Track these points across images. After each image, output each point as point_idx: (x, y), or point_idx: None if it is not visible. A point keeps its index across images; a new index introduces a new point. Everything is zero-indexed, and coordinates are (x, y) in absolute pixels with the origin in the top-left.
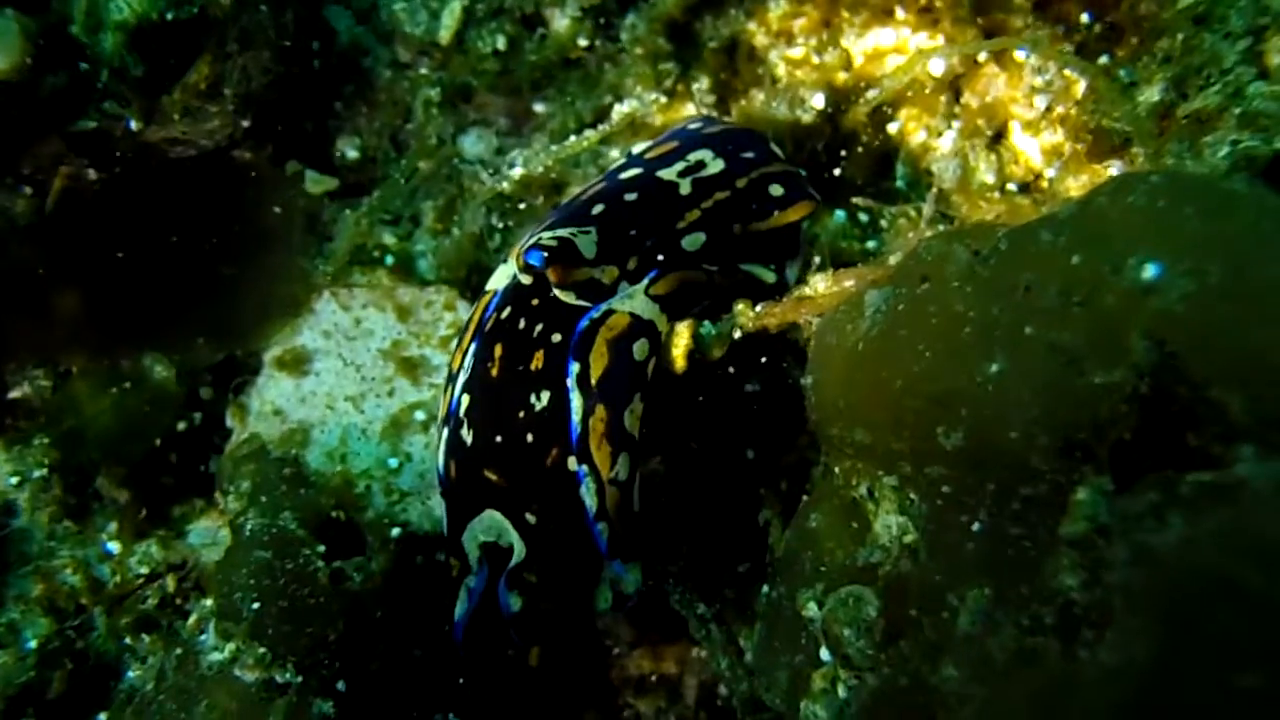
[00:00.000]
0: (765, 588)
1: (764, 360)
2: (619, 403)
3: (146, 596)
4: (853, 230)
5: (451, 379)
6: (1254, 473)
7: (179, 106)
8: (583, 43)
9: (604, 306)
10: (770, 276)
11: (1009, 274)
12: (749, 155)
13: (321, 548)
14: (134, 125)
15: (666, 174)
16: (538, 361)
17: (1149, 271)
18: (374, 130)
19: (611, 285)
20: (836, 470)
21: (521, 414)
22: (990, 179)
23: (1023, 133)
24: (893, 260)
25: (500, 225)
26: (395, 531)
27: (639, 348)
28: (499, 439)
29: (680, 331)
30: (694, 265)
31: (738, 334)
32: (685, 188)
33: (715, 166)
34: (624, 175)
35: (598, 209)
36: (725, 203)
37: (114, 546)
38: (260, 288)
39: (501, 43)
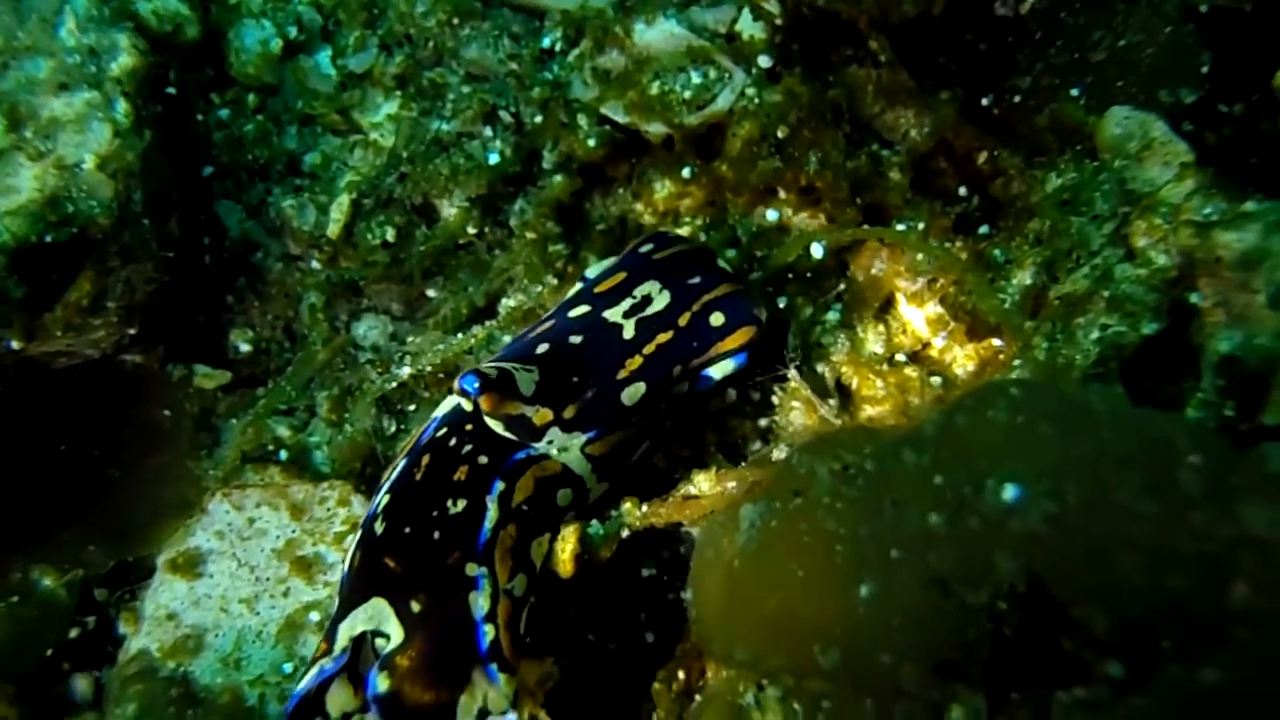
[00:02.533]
0: None
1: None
2: (530, 530)
3: None
4: (745, 408)
5: (377, 489)
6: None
7: (61, 323)
8: (472, 230)
9: (541, 449)
10: (683, 387)
11: (875, 494)
12: (694, 281)
13: None
14: (15, 345)
15: (612, 315)
16: (461, 474)
17: (1009, 493)
18: (266, 322)
19: (542, 428)
20: (724, 674)
21: (435, 513)
22: (879, 349)
23: (908, 304)
24: (776, 455)
25: (392, 423)
26: None
27: (562, 495)
28: (407, 530)
29: (567, 536)
30: (630, 420)
31: (625, 533)
32: (629, 330)
33: (660, 301)
34: (573, 313)
35: (542, 348)
36: (667, 345)
37: None
38: (151, 490)
39: (390, 234)
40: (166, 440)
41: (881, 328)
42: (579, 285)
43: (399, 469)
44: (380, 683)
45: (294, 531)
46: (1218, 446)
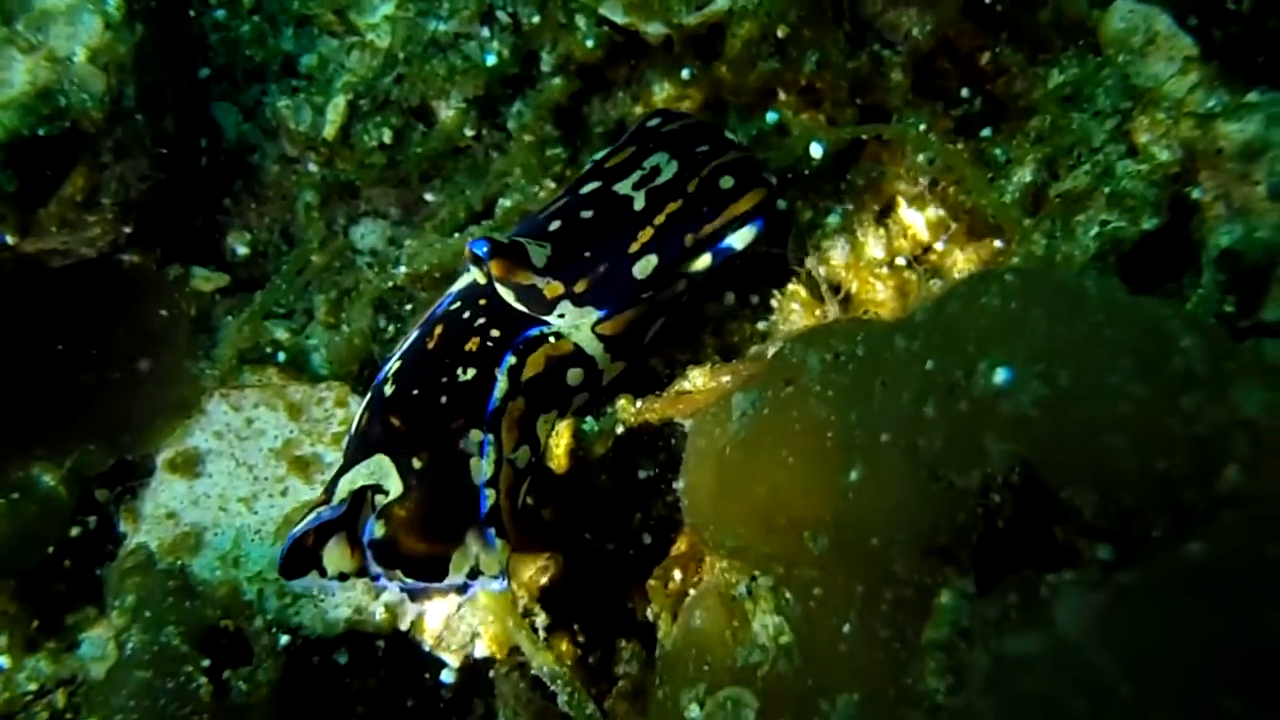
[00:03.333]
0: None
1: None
2: (537, 406)
3: (36, 713)
4: (742, 311)
5: (386, 357)
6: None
7: (56, 219)
8: (469, 133)
9: (553, 327)
10: (705, 260)
11: (866, 380)
12: (703, 149)
13: (206, 662)
14: (9, 240)
15: (622, 188)
16: (472, 345)
17: (1000, 376)
18: (264, 225)
19: (553, 300)
20: (717, 567)
21: (444, 379)
22: (879, 254)
23: (909, 207)
24: (771, 351)
25: (389, 323)
26: (284, 639)
27: (573, 374)
28: (415, 392)
29: (561, 431)
30: (642, 295)
31: (620, 429)
32: (639, 202)
33: (669, 170)
34: (584, 190)
35: (554, 225)
36: (677, 214)
37: (3, 661)
38: (149, 391)
39: (387, 136)
40: (165, 340)
41: (882, 231)
42: (589, 165)
43: (411, 338)
44: (376, 529)
45: (292, 431)
46: (1213, 332)
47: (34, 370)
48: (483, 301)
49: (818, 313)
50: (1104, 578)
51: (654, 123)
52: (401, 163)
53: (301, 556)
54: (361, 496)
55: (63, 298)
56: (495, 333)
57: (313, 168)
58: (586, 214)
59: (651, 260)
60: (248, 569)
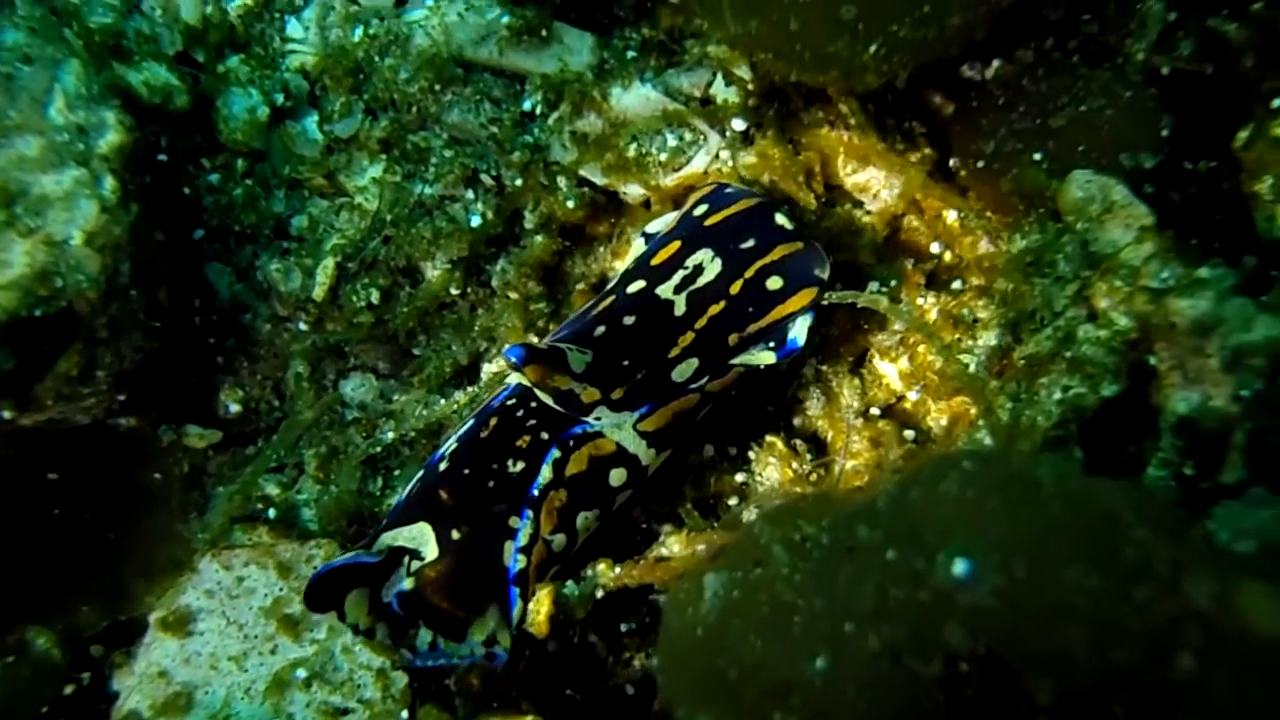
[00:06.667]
0: None
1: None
2: (579, 501)
3: None
4: (721, 464)
5: (442, 439)
6: None
7: (52, 393)
8: (454, 291)
9: (596, 426)
10: (769, 357)
11: (830, 568)
12: (748, 245)
13: None
14: (7, 415)
15: (664, 291)
16: (523, 442)
17: (959, 567)
18: (256, 382)
19: (590, 405)
20: None
21: (495, 467)
22: (855, 404)
23: (881, 359)
24: (746, 516)
25: (379, 481)
26: None
27: (616, 475)
28: (466, 472)
29: (542, 598)
30: (683, 393)
31: (599, 594)
32: (680, 306)
33: (713, 270)
34: (630, 289)
35: (599, 331)
36: (719, 317)
37: None
38: (143, 551)
39: (375, 296)
40: (158, 503)
41: (857, 382)
42: (639, 243)
43: (467, 425)
44: (406, 583)
45: (281, 590)
46: (1163, 518)
47: (30, 534)
48: (535, 404)
49: (794, 465)
50: None
51: (701, 210)
52: (389, 320)
53: (328, 592)
54: (397, 558)
55: (59, 462)
56: (545, 435)
57: (303, 327)
58: (629, 319)
59: (692, 363)
60: None
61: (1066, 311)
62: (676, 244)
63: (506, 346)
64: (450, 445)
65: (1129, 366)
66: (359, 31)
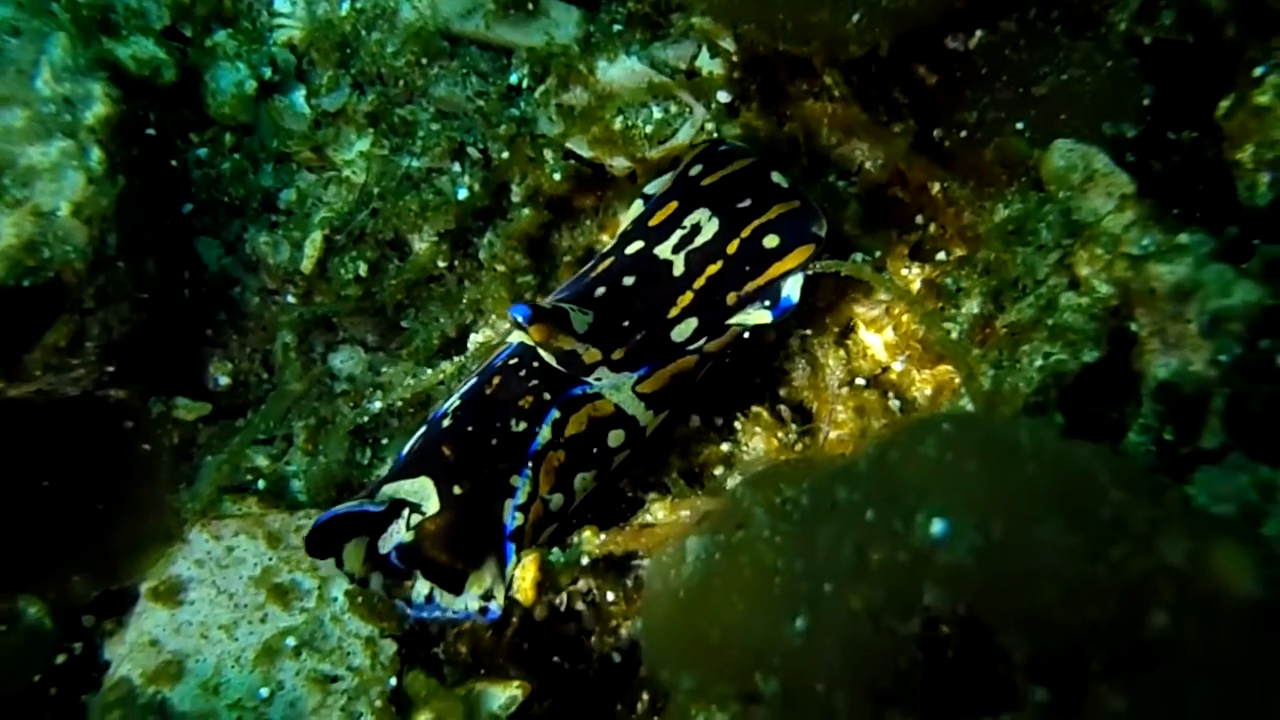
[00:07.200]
0: None
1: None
2: (577, 462)
3: None
4: (707, 434)
5: (445, 396)
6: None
7: (40, 364)
8: (442, 264)
9: (595, 388)
10: (765, 316)
11: (810, 530)
12: (745, 205)
13: None
14: None
15: (662, 251)
16: (525, 402)
17: (937, 527)
18: (245, 355)
19: (591, 365)
20: (678, 699)
21: (498, 425)
22: (840, 374)
23: (867, 330)
24: (729, 484)
25: (367, 452)
26: None
27: (614, 436)
28: (469, 429)
29: (527, 565)
30: (681, 353)
31: (585, 560)
32: (679, 266)
33: (710, 229)
34: (629, 249)
35: (599, 292)
36: (716, 276)
37: None
38: (133, 522)
39: (363, 269)
40: (147, 473)
41: (842, 352)
42: (638, 204)
43: (470, 383)
44: (405, 536)
45: (270, 559)
46: (1139, 480)
47: (21, 505)
48: (536, 363)
49: (779, 435)
50: None
51: (696, 170)
52: (377, 293)
53: (328, 539)
54: (397, 510)
55: (49, 433)
56: (547, 395)
57: (291, 299)
58: (628, 280)
59: (691, 323)
60: (227, 696)
61: (1048, 279)
62: (674, 204)
63: (512, 304)
64: (454, 402)
65: (1110, 333)
66: (346, 6)
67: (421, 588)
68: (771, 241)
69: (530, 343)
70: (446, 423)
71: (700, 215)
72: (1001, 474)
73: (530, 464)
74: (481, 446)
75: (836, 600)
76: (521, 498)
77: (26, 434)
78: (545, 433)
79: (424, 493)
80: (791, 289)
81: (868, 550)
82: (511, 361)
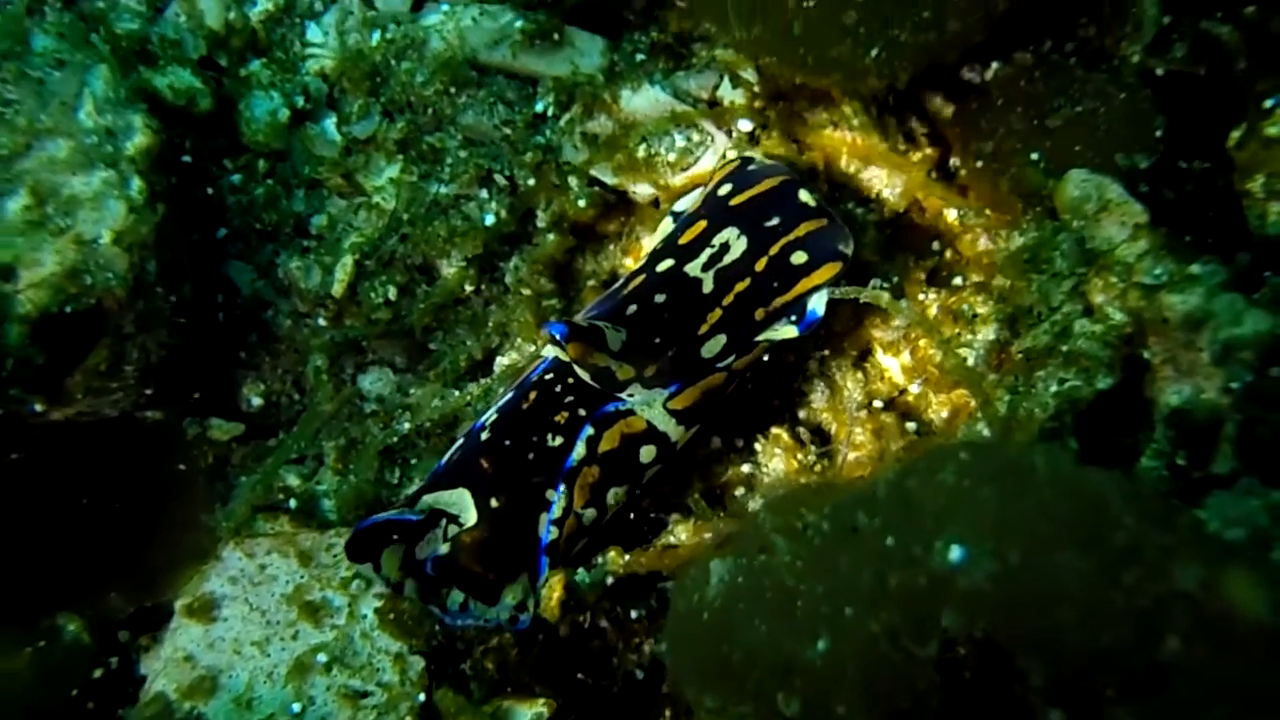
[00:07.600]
0: None
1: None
2: (610, 478)
3: None
4: (728, 455)
5: (483, 412)
6: None
7: (81, 387)
8: (469, 288)
9: (628, 404)
10: (791, 331)
11: (831, 554)
12: (773, 223)
13: None
14: (38, 408)
15: (692, 269)
16: (561, 417)
17: (955, 553)
18: (277, 376)
19: (624, 382)
20: (701, 718)
21: (535, 439)
22: (858, 396)
23: (884, 353)
24: (752, 506)
25: (396, 471)
26: None
27: (646, 451)
28: (507, 443)
29: (554, 584)
30: (711, 369)
31: (610, 580)
32: (708, 284)
33: (738, 248)
34: (659, 267)
35: (631, 309)
36: (745, 294)
37: None
38: (169, 540)
39: (392, 293)
40: (183, 493)
41: (860, 375)
42: (667, 222)
43: (507, 397)
44: (442, 548)
45: (302, 577)
46: (1152, 506)
47: (60, 523)
48: (571, 379)
49: (799, 456)
50: None
51: (725, 189)
52: (406, 316)
53: (368, 545)
54: (435, 519)
55: (88, 454)
56: (581, 411)
57: (322, 323)
58: (660, 298)
59: (720, 340)
60: (260, 711)
61: (1063, 307)
62: (703, 223)
63: (549, 322)
64: (491, 415)
65: (1123, 360)
66: (376, 36)
67: (456, 596)
68: (799, 258)
69: (566, 359)
70: (485, 436)
71: (729, 234)
72: (1017, 501)
73: (564, 479)
74: (518, 460)
75: (857, 623)
76: (557, 512)
77: (67, 454)
78: (579, 449)
79: (462, 504)
80: (817, 304)
81: (887, 575)
82: (547, 377)
